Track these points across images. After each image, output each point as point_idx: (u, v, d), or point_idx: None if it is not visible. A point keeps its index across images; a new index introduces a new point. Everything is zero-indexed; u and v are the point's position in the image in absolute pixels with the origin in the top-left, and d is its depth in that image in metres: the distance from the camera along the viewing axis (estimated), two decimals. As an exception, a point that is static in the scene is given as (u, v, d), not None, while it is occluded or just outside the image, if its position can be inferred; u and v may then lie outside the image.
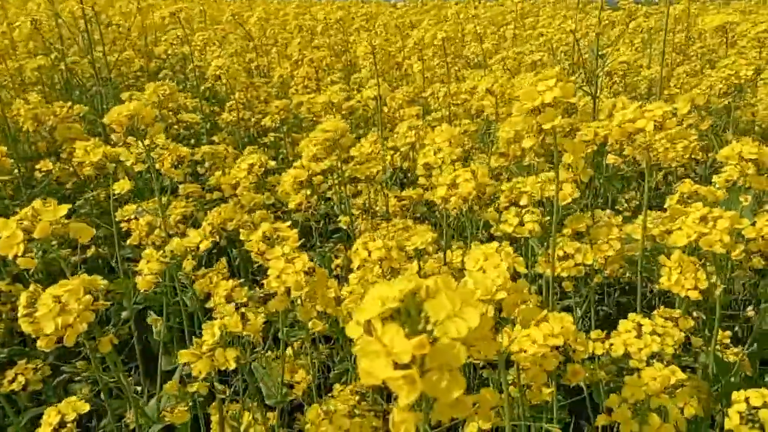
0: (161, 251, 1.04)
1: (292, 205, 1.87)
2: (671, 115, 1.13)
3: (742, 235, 1.15)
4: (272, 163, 1.70)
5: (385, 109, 3.29)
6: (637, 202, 2.57)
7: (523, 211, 1.43)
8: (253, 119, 3.67)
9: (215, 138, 3.42)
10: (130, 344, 1.99)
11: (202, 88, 3.94)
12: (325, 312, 1.42)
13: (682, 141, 1.43)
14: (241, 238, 1.53)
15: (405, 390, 0.56)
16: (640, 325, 1.16)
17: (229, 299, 1.47)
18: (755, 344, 1.43)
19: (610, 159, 1.37)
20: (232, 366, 0.88)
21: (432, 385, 0.56)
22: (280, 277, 1.09)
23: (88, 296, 0.94)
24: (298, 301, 1.17)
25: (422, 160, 1.42)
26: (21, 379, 1.62)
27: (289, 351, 1.63)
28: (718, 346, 1.44)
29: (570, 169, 1.39)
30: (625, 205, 2.49)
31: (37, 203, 0.92)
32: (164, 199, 2.20)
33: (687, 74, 3.42)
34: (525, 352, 0.92)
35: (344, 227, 2.11)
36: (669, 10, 2.27)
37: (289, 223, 1.16)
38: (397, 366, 0.56)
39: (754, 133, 2.70)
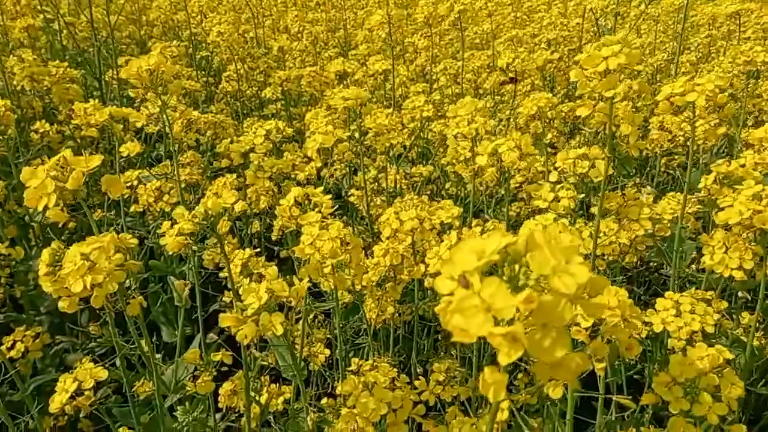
0: (192, 212, 0.97)
1: (301, 177, 1.80)
2: (721, 90, 1.10)
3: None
4: (290, 131, 1.63)
5: (387, 85, 3.23)
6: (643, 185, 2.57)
7: (557, 187, 1.39)
8: (249, 91, 3.58)
9: (213, 109, 3.32)
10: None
11: (198, 56, 3.83)
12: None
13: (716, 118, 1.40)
14: (260, 206, 1.48)
15: (506, 348, 0.52)
16: (678, 303, 1.14)
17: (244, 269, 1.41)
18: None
19: (654, 134, 1.34)
20: (280, 331, 0.82)
21: (535, 343, 0.52)
22: (314, 243, 1.04)
23: (119, 254, 0.88)
24: (328, 270, 1.12)
25: (454, 130, 1.37)
26: (20, 346, 1.54)
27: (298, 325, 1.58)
28: (741, 330, 1.43)
29: (605, 147, 1.35)
30: (634, 189, 2.47)
31: (67, 152, 0.85)
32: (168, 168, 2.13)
33: (690, 63, 3.43)
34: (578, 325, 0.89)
35: (355, 202, 2.06)
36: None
37: (321, 189, 1.11)
38: (496, 322, 0.52)
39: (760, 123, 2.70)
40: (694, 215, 1.59)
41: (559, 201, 1.36)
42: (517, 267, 0.56)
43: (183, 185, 1.96)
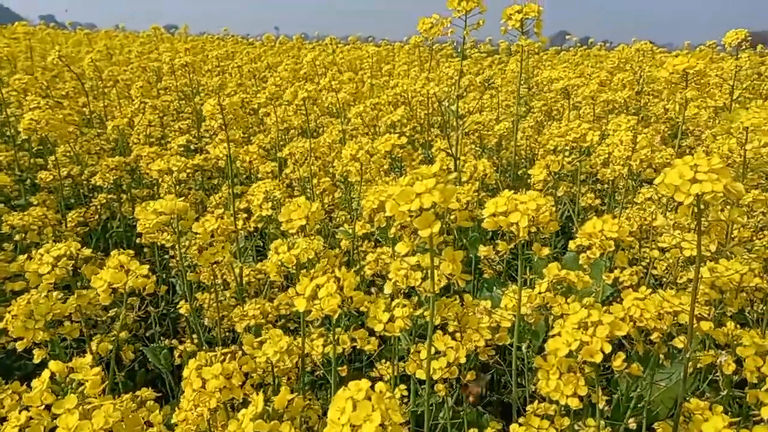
0: None
1: (107, 301, 1.49)
2: (544, 208, 1.04)
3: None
4: (87, 252, 1.38)
5: (238, 163, 3.04)
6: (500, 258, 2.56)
7: (393, 303, 1.27)
8: (83, 175, 3.19)
9: (34, 199, 2.90)
10: None
11: (19, 139, 3.38)
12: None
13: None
14: (35, 361, 1.20)
15: None
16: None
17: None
18: None
19: (482, 251, 1.27)
20: None
21: None
22: (73, 439, 0.80)
23: None
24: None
25: (274, 257, 1.21)
26: None
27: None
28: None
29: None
30: (487, 263, 2.46)
31: None
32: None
33: (531, 128, 3.61)
34: None
35: (186, 315, 1.81)
36: (519, 87, 2.32)
37: (89, 359, 0.88)
38: None
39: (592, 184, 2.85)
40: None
41: (394, 321, 1.23)
42: None
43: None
